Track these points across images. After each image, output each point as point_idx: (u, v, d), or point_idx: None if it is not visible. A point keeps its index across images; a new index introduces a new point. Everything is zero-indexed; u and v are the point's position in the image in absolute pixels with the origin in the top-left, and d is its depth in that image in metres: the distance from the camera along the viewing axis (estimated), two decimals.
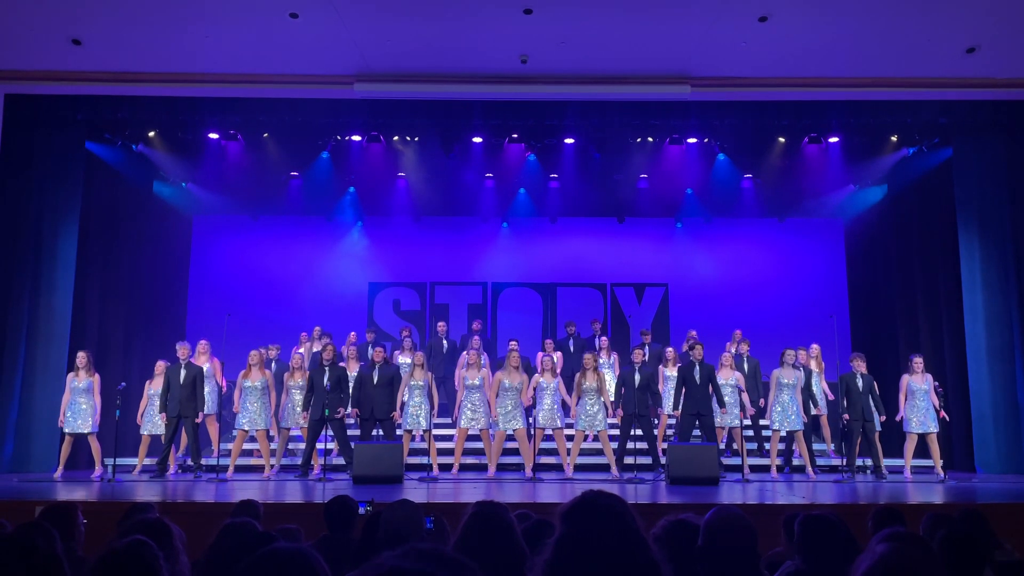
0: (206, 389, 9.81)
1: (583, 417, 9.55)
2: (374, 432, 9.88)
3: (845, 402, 9.65)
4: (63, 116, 10.60)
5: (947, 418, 9.70)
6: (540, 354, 10.49)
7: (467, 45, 9.38)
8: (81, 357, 9.55)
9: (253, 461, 10.35)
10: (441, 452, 10.05)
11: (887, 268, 12.73)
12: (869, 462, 9.85)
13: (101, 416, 9.58)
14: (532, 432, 9.48)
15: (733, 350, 11.02)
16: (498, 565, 2.33)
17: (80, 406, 9.41)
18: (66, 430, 9.40)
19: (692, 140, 12.01)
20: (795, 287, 13.72)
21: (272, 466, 9.81)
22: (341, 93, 10.34)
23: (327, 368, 9.59)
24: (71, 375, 9.56)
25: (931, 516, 3.60)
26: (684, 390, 9.56)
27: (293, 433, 10.22)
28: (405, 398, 9.79)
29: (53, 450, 9.88)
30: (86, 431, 9.41)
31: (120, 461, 9.21)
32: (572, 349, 11.74)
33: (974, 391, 10.54)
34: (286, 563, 1.64)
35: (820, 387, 10.54)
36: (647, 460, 9.96)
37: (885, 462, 9.77)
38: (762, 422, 10.79)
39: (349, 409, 9.70)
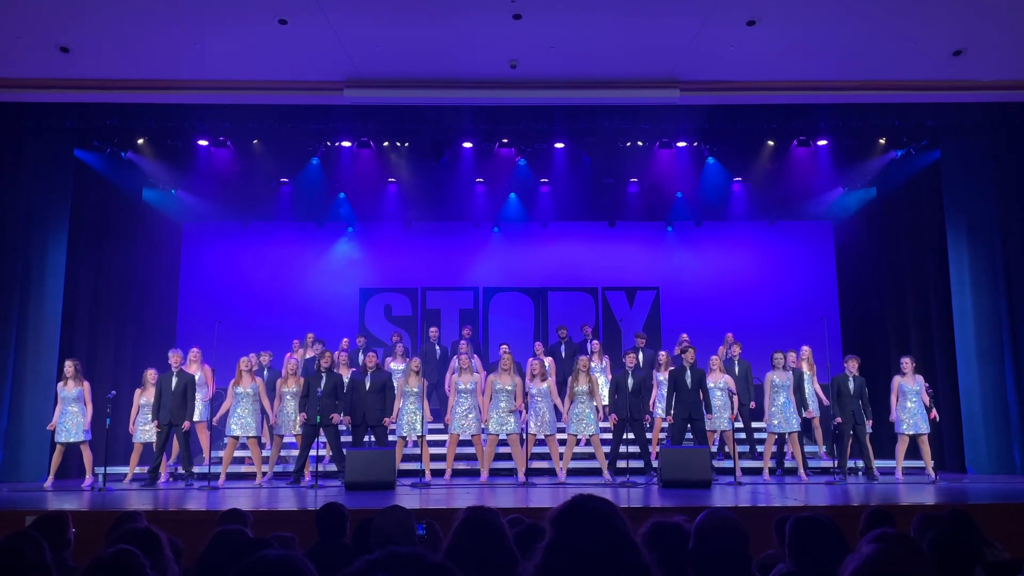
0: (198, 396, 9.77)
1: (574, 421, 9.55)
2: (366, 438, 9.86)
3: (836, 405, 9.69)
4: (51, 124, 10.57)
5: (937, 418, 9.73)
6: (531, 360, 10.48)
7: (457, 50, 9.39)
8: (69, 366, 9.50)
9: (245, 468, 10.32)
10: (434, 458, 10.04)
11: (877, 270, 12.79)
12: (861, 464, 9.87)
13: (92, 424, 9.54)
14: (524, 437, 9.48)
15: (724, 353, 11.04)
16: (489, 570, 2.33)
17: (71, 415, 9.36)
18: (58, 440, 9.34)
19: (682, 144, 12.05)
20: (785, 289, 13.75)
21: (265, 473, 9.78)
22: (331, 99, 10.34)
23: (324, 374, 9.58)
24: (60, 384, 9.50)
25: (921, 517, 3.61)
26: (675, 394, 9.57)
27: (287, 440, 10.19)
28: (400, 405, 9.77)
29: (43, 459, 9.83)
30: (78, 440, 9.36)
31: (111, 470, 9.16)
32: (564, 354, 11.74)
33: (964, 392, 10.59)
34: (276, 569, 1.63)
35: (812, 389, 10.56)
36: (639, 464, 9.98)
37: (876, 463, 9.80)
38: (755, 424, 10.83)
39: (343, 416, 9.68)
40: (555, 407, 9.84)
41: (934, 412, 9.65)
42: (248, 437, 9.75)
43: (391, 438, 9.80)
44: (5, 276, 10.36)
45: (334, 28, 8.88)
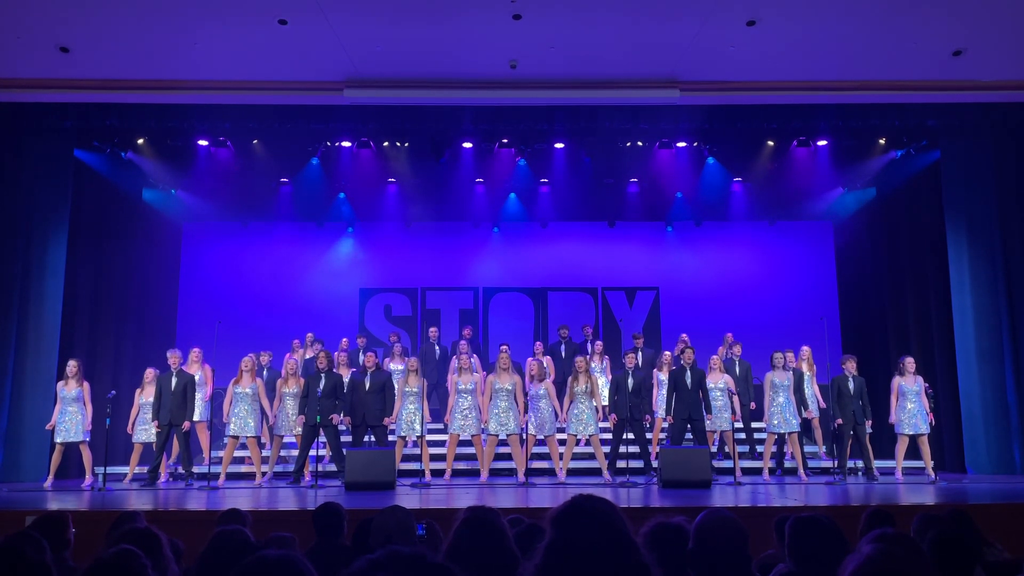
0: (198, 396, 9.77)
1: (574, 421, 9.55)
2: (366, 438, 9.85)
3: (836, 405, 9.68)
4: (51, 124, 10.57)
5: (934, 422, 9.70)
6: (530, 359, 10.48)
7: (457, 51, 9.39)
8: (71, 366, 9.51)
9: (244, 468, 10.32)
10: (434, 458, 10.04)
11: (876, 270, 12.79)
12: (861, 464, 9.87)
13: (92, 424, 9.54)
14: (524, 437, 9.47)
15: (724, 353, 11.03)
16: (489, 570, 2.33)
17: (70, 415, 9.36)
18: (57, 440, 9.34)
19: (682, 144, 12.05)
20: (785, 289, 13.75)
21: (264, 473, 9.78)
22: (331, 99, 10.34)
23: (323, 375, 9.58)
24: (60, 384, 9.51)
25: (921, 517, 3.60)
26: (675, 394, 9.57)
27: (287, 440, 10.18)
28: (400, 405, 9.75)
29: (43, 459, 9.83)
30: (77, 440, 9.36)
31: (111, 470, 9.16)
32: (564, 354, 11.73)
33: (964, 392, 10.59)
34: (275, 569, 1.63)
35: (812, 390, 10.55)
36: (639, 464, 9.97)
37: (876, 464, 9.80)
38: (754, 424, 10.82)
39: (343, 416, 9.68)
40: (554, 408, 9.83)
41: (931, 416, 9.63)
42: (247, 437, 9.75)
43: (391, 438, 9.80)
44: (5, 276, 10.35)
45: (334, 28, 8.87)
